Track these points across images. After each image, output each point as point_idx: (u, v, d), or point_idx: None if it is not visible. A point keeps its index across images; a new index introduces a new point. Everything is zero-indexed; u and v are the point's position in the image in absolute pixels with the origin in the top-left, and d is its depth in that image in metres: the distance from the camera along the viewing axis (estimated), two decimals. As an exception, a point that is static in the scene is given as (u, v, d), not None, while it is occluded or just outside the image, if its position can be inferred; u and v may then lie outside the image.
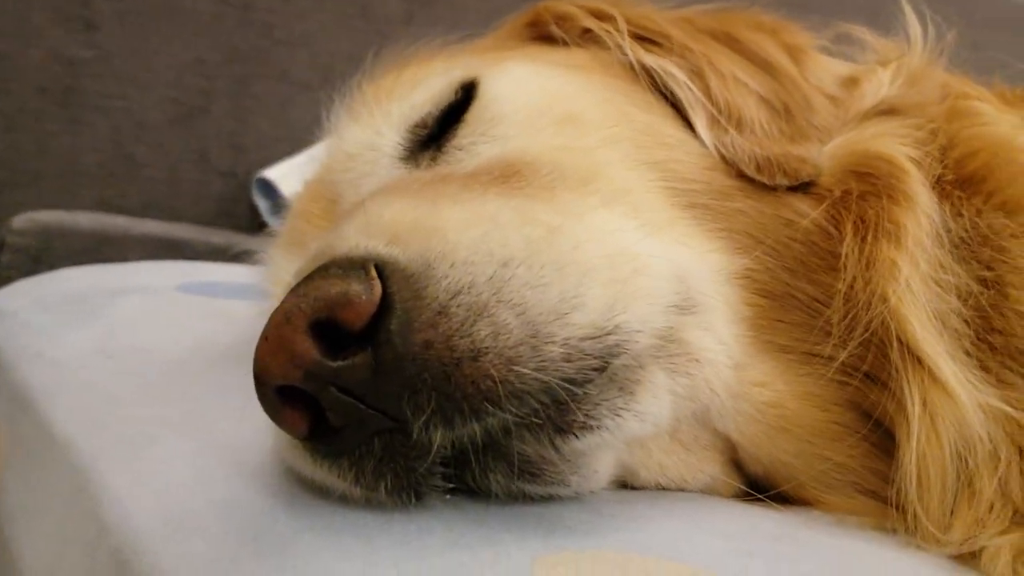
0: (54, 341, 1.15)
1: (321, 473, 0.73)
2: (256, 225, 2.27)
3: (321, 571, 0.67)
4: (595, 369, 0.72)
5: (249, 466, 0.82)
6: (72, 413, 0.97)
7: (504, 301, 0.70)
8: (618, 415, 0.75)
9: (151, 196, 2.21)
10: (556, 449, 0.74)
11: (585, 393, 0.73)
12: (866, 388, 0.87)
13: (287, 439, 0.75)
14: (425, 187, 0.82)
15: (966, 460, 0.83)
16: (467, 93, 0.98)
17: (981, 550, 0.81)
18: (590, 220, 0.80)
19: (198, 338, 1.15)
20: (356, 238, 0.73)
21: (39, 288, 1.37)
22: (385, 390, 0.67)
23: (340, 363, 0.67)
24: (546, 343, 0.70)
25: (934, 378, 0.84)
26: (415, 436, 0.69)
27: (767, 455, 0.88)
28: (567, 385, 0.71)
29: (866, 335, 0.86)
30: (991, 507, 0.83)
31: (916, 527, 0.83)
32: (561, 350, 0.70)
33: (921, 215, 0.89)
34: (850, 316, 0.87)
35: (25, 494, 0.99)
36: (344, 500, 0.73)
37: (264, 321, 0.81)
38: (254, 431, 0.86)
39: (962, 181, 0.93)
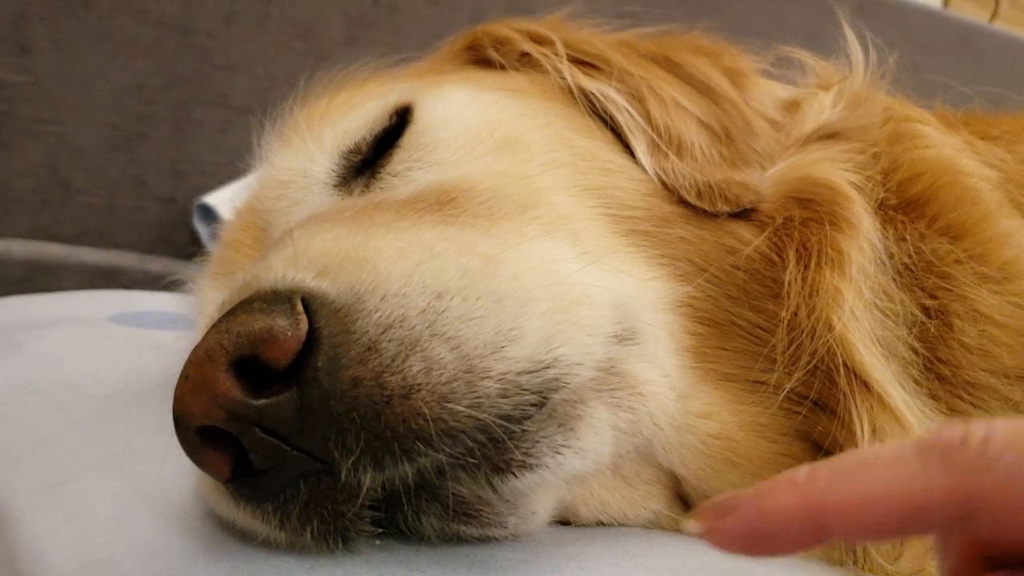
0: (-22, 374, 1.11)
1: (244, 517, 0.70)
2: (196, 252, 2.25)
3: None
4: (533, 404, 0.70)
5: (172, 508, 0.79)
6: (-7, 450, 0.93)
7: (438, 335, 0.67)
8: (558, 452, 0.73)
9: (87, 223, 2.18)
10: (493, 489, 0.71)
11: (523, 430, 0.71)
12: (814, 416, 0.86)
13: (209, 481, 0.72)
14: (357, 215, 0.79)
15: None
16: (402, 118, 0.96)
17: None
18: (529, 249, 0.78)
19: (127, 371, 1.12)
20: (282, 269, 0.71)
21: (-34, 319, 1.34)
22: (311, 431, 0.65)
23: (263, 402, 0.65)
24: (481, 378, 0.68)
25: (883, 404, 0.83)
26: (343, 478, 0.66)
27: (713, 488, 0.85)
28: (504, 422, 0.68)
29: (812, 362, 0.85)
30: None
31: (865, 558, 0.82)
32: (497, 385, 0.68)
33: (864, 242, 0.89)
34: (795, 344, 0.86)
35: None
36: (268, 545, 0.70)
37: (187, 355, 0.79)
38: (177, 471, 0.84)
39: (905, 205, 0.93)
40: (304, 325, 0.66)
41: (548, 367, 0.71)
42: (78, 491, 0.82)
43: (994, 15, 4.18)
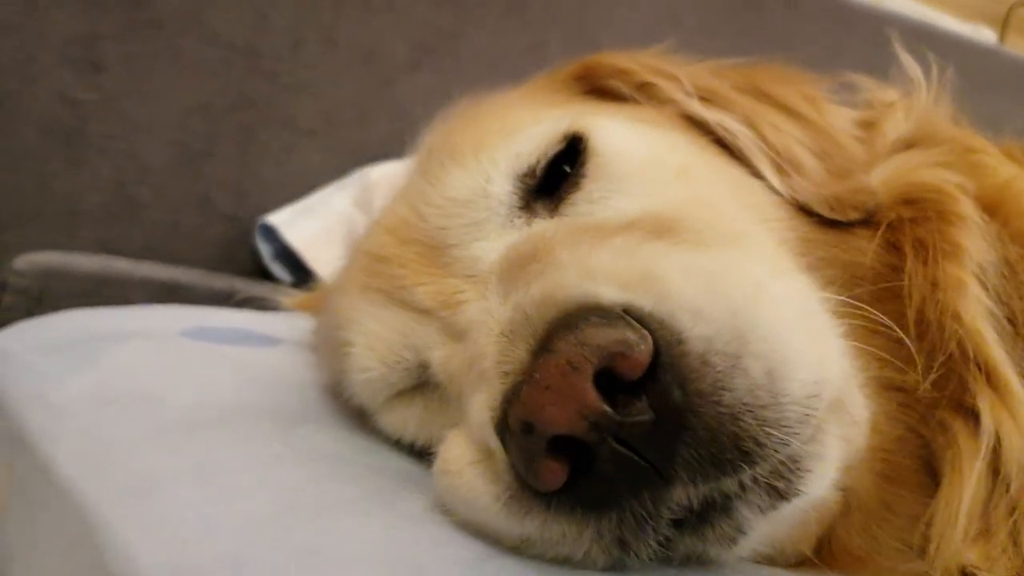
0: (54, 385, 1.12)
1: (569, 527, 0.72)
2: (257, 270, 2.28)
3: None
4: (812, 428, 0.72)
5: (256, 519, 0.80)
6: (73, 458, 0.95)
7: (751, 353, 0.69)
8: (817, 478, 0.75)
9: (152, 239, 2.21)
10: (768, 510, 0.73)
11: (808, 453, 0.73)
12: (944, 419, 0.88)
13: (489, 493, 0.75)
14: (591, 236, 0.82)
15: (1008, 487, 0.84)
16: (571, 145, 0.97)
17: None
18: (757, 273, 0.80)
19: (201, 385, 1.13)
20: (587, 285, 0.72)
21: (40, 330, 1.36)
22: (662, 443, 0.67)
23: (624, 414, 0.66)
24: (786, 402, 0.70)
25: (1007, 400, 0.85)
26: (675, 491, 0.69)
27: (870, 507, 0.87)
28: (801, 445, 0.71)
29: (946, 358, 0.87)
30: (1004, 548, 0.84)
31: (938, 553, 0.84)
32: (797, 408, 0.70)
33: (978, 233, 0.92)
34: (927, 339, 0.88)
35: (25, 536, 0.98)
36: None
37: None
38: (258, 484, 0.86)
39: (983, 207, 0.96)
40: (650, 339, 0.67)
41: (823, 391, 0.72)
42: (162, 500, 0.84)
43: (1051, 53, 4.16)
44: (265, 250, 2.28)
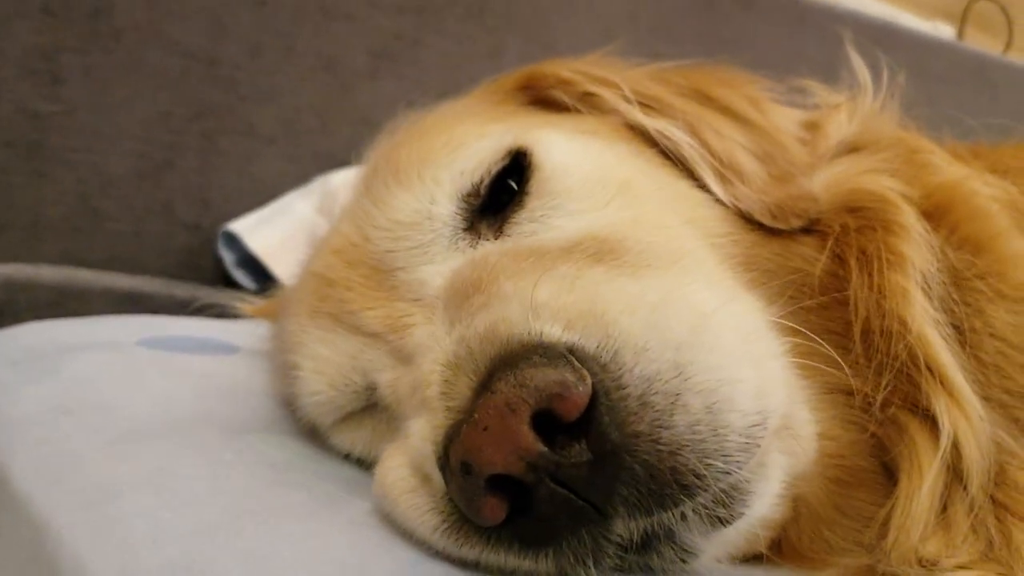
0: (14, 396, 1.14)
1: (503, 557, 0.74)
2: (221, 278, 2.28)
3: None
4: (753, 456, 0.74)
5: (206, 525, 0.82)
6: (30, 469, 0.97)
7: (691, 389, 0.71)
8: (758, 500, 0.77)
9: (116, 249, 2.21)
10: (713, 534, 0.75)
11: (749, 479, 0.75)
12: (898, 422, 0.90)
13: (433, 523, 0.78)
14: (534, 263, 0.83)
15: (967, 484, 0.86)
16: (515, 160, 0.98)
17: None
18: (700, 298, 0.82)
19: (157, 395, 1.14)
20: (528, 322, 0.74)
21: (1, 342, 1.37)
22: (599, 482, 0.69)
23: (562, 455, 0.68)
24: (728, 434, 0.72)
25: (959, 403, 0.87)
26: (616, 526, 0.71)
27: (826, 513, 0.90)
28: (741, 473, 0.73)
29: (896, 364, 0.88)
30: (965, 537, 0.86)
31: (894, 545, 0.86)
32: (740, 439, 0.72)
33: (920, 242, 0.93)
34: (874, 348, 0.90)
35: (-17, 548, 0.99)
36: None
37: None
38: (210, 491, 0.87)
39: (926, 215, 0.97)
40: (589, 380, 0.69)
41: (766, 419, 0.75)
42: (116, 508, 0.85)
43: (1008, 46, 4.20)
44: (228, 258, 2.28)
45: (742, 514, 0.75)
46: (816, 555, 0.89)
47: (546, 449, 0.68)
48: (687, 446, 0.70)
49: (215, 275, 2.29)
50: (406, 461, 0.82)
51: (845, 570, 0.88)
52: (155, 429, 1.03)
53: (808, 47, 2.84)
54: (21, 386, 1.16)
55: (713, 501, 0.73)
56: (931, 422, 0.87)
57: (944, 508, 0.87)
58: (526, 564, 0.74)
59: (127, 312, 1.80)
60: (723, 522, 0.74)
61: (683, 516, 0.72)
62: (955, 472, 0.86)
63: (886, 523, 0.87)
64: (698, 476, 0.70)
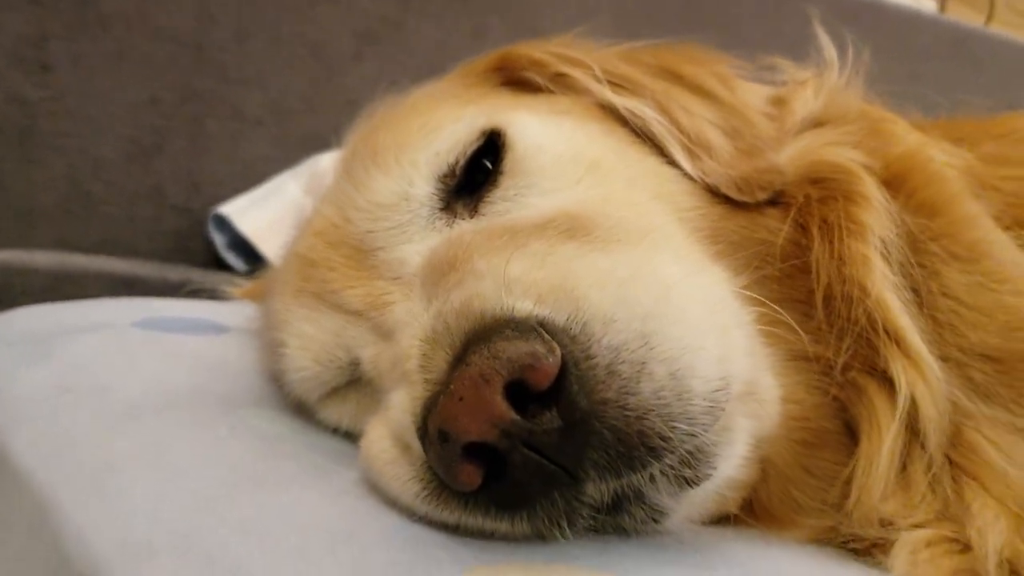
0: (13, 377, 1.17)
1: (483, 521, 0.78)
2: (212, 260, 2.31)
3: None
4: (717, 419, 0.78)
5: (203, 496, 0.85)
6: (31, 446, 0.99)
7: (656, 358, 0.74)
8: (726, 461, 0.81)
9: (108, 233, 2.24)
10: (681, 495, 0.79)
11: (714, 442, 0.78)
12: (858, 386, 0.93)
13: (415, 489, 0.81)
14: (507, 241, 0.86)
15: (924, 444, 0.90)
16: (489, 140, 1.01)
17: (893, 544, 0.87)
18: (668, 271, 0.85)
19: (152, 374, 1.17)
20: (501, 297, 0.77)
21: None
22: (569, 447, 0.72)
23: (534, 422, 0.72)
24: (691, 398, 0.75)
25: (917, 366, 0.90)
26: (588, 489, 0.74)
27: (795, 474, 0.93)
28: (706, 436, 0.76)
29: (856, 329, 0.92)
30: (923, 496, 0.90)
31: (856, 506, 0.90)
32: (703, 403, 0.76)
33: (880, 212, 0.97)
34: (835, 314, 0.93)
35: (-14, 525, 1.02)
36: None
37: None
38: (206, 463, 0.91)
39: (886, 183, 1.00)
40: (559, 351, 0.72)
41: (729, 385, 0.78)
42: (115, 482, 0.88)
43: (989, 18, 4.21)
44: (219, 240, 2.31)
45: (708, 475, 0.78)
46: (785, 515, 0.93)
47: (518, 417, 0.71)
48: (652, 411, 0.73)
49: (206, 257, 2.32)
50: (387, 433, 0.86)
51: (812, 530, 0.92)
52: (151, 406, 1.06)
53: (789, 26, 2.85)
54: (20, 367, 1.19)
55: (680, 462, 0.76)
56: (889, 384, 0.91)
57: (904, 467, 0.91)
58: (503, 527, 0.77)
59: (121, 295, 1.82)
60: (690, 483, 0.77)
61: (652, 478, 0.76)
62: (913, 431, 0.90)
63: (849, 483, 0.91)
64: (664, 439, 0.73)
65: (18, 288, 1.99)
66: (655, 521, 0.80)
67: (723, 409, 0.78)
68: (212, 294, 1.66)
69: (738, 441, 0.82)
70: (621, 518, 0.79)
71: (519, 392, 0.72)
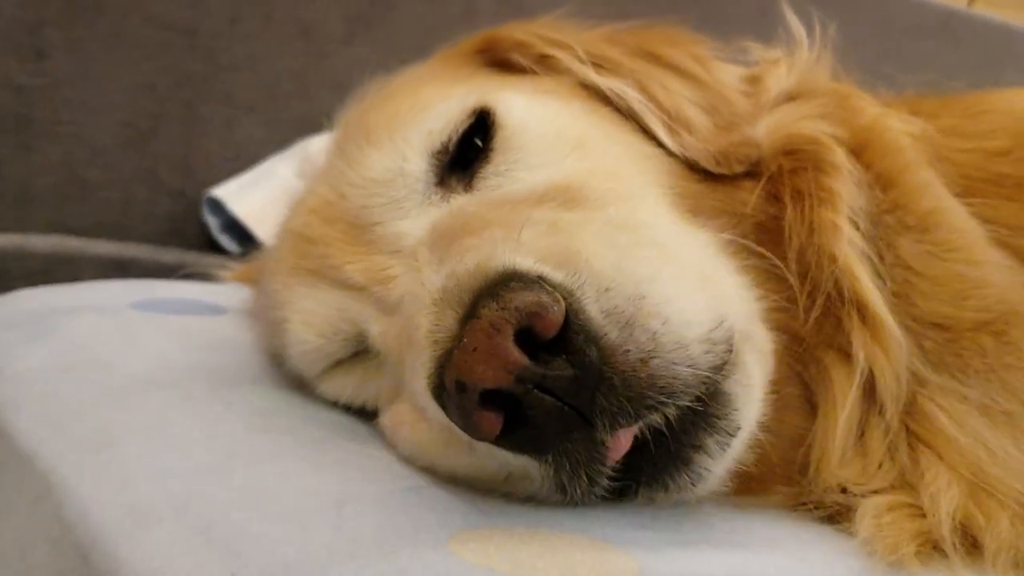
0: (13, 357, 1.19)
1: (521, 465, 0.81)
2: (207, 243, 2.34)
3: (268, 551, 0.75)
4: (727, 351, 0.82)
5: (203, 464, 0.89)
6: (34, 422, 1.02)
7: (650, 312, 0.78)
8: (747, 403, 0.85)
9: (103, 217, 2.25)
10: (711, 442, 0.82)
11: (725, 380, 0.82)
12: (818, 357, 0.97)
13: (442, 440, 0.86)
14: (510, 211, 0.90)
15: (882, 412, 0.93)
16: (479, 119, 1.03)
17: (855, 509, 0.90)
18: (660, 237, 0.89)
19: (151, 352, 1.20)
20: (511, 257, 0.80)
21: (-3, 309, 1.43)
22: (582, 391, 0.75)
23: (547, 367, 0.74)
24: (687, 342, 0.79)
25: (877, 330, 0.94)
26: (600, 431, 0.77)
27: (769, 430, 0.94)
28: (713, 373, 0.80)
29: (823, 298, 0.95)
30: (880, 463, 0.94)
31: (815, 473, 0.94)
32: (701, 346, 0.79)
33: (849, 179, 1.00)
34: (806, 279, 0.97)
35: (-8, 500, 1.05)
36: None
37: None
38: (207, 436, 0.94)
39: (853, 152, 1.04)
40: (563, 302, 0.75)
41: (724, 325, 0.82)
42: (117, 453, 0.92)
43: (972, -1, 4.23)
44: (213, 223, 2.33)
45: (736, 419, 0.83)
46: (763, 479, 0.95)
47: (531, 362, 0.74)
48: (654, 355, 0.76)
49: (201, 240, 2.33)
50: (410, 405, 0.91)
51: (784, 497, 0.96)
52: (150, 383, 1.08)
53: (774, 4, 2.86)
54: (20, 346, 1.22)
55: (700, 404, 0.80)
56: (849, 358, 0.95)
57: (862, 434, 0.95)
58: (527, 467, 0.80)
59: (116, 278, 1.84)
60: (721, 430, 0.82)
61: (678, 418, 0.79)
62: (871, 400, 0.94)
63: (809, 451, 0.95)
64: (671, 379, 0.77)
65: (15, 271, 2.01)
66: (693, 483, 0.83)
67: (730, 350, 0.82)
68: (206, 276, 1.68)
69: (755, 380, 0.86)
70: (664, 481, 0.82)
71: (528, 342, 0.74)
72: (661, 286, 0.80)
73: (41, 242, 2.09)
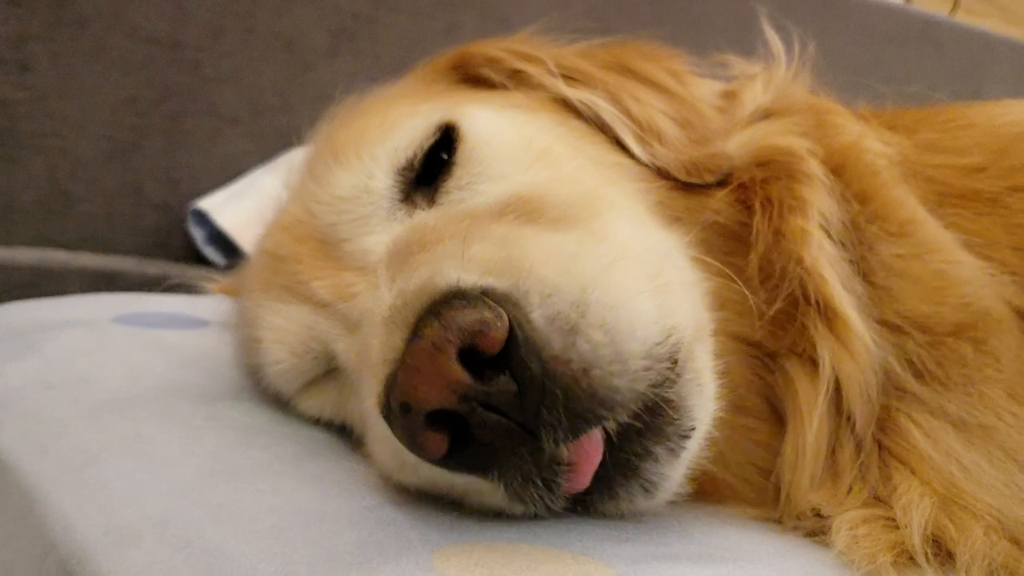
0: (-1, 373, 1.20)
1: (470, 483, 0.82)
2: (192, 255, 2.34)
3: (247, 569, 0.75)
4: (669, 367, 0.82)
5: (181, 484, 0.89)
6: (16, 440, 1.03)
7: (592, 323, 0.78)
8: (700, 407, 0.85)
9: (88, 230, 2.26)
10: (660, 454, 0.83)
11: (670, 391, 0.82)
12: (783, 368, 0.97)
13: (397, 460, 0.85)
14: (468, 225, 0.89)
15: (852, 426, 0.94)
16: (445, 134, 1.04)
17: (830, 526, 0.90)
18: (618, 244, 0.90)
19: (132, 367, 1.21)
20: (456, 272, 0.80)
21: (-20, 323, 1.43)
22: (527, 406, 0.75)
23: (489, 384, 0.75)
24: (629, 358, 0.79)
25: (845, 337, 0.94)
26: (546, 446, 0.77)
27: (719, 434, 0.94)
28: (655, 390, 0.80)
29: (789, 304, 0.96)
30: (851, 485, 0.94)
31: (787, 501, 0.94)
32: (642, 362, 0.79)
33: (822, 188, 1.01)
34: (769, 286, 0.97)
35: (-26, 517, 1.05)
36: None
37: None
38: (185, 453, 0.94)
39: (830, 168, 1.04)
40: (505, 318, 0.75)
41: (671, 330, 0.82)
42: (97, 472, 0.92)
43: (955, 7, 4.25)
44: (198, 235, 2.33)
45: (689, 426, 0.83)
46: (722, 478, 0.97)
47: (474, 381, 0.74)
48: (595, 367, 0.76)
49: (186, 252, 2.34)
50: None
51: (755, 507, 0.96)
52: (131, 399, 1.09)
53: (757, 16, 2.87)
54: (4, 363, 1.23)
55: (647, 414, 0.80)
56: (814, 367, 0.95)
57: (832, 452, 0.95)
58: (478, 486, 0.81)
59: (101, 291, 1.84)
60: (672, 437, 0.83)
61: (619, 431, 0.80)
62: (842, 414, 0.94)
63: (778, 462, 0.96)
64: (611, 390, 0.77)
65: (0, 284, 2.01)
66: (646, 492, 0.84)
67: (674, 360, 0.82)
68: (191, 288, 1.69)
69: (706, 382, 0.86)
70: (615, 492, 0.83)
71: (473, 359, 0.75)
72: (607, 291, 0.80)
73: (26, 255, 2.09)
